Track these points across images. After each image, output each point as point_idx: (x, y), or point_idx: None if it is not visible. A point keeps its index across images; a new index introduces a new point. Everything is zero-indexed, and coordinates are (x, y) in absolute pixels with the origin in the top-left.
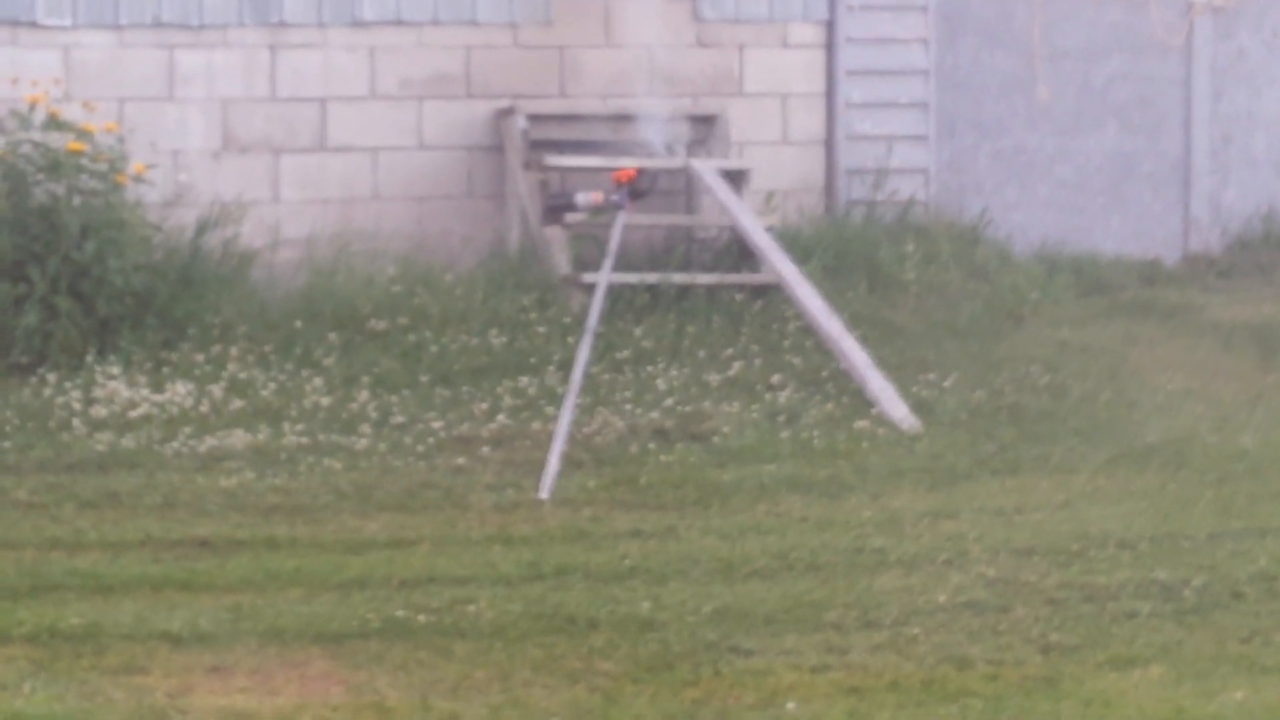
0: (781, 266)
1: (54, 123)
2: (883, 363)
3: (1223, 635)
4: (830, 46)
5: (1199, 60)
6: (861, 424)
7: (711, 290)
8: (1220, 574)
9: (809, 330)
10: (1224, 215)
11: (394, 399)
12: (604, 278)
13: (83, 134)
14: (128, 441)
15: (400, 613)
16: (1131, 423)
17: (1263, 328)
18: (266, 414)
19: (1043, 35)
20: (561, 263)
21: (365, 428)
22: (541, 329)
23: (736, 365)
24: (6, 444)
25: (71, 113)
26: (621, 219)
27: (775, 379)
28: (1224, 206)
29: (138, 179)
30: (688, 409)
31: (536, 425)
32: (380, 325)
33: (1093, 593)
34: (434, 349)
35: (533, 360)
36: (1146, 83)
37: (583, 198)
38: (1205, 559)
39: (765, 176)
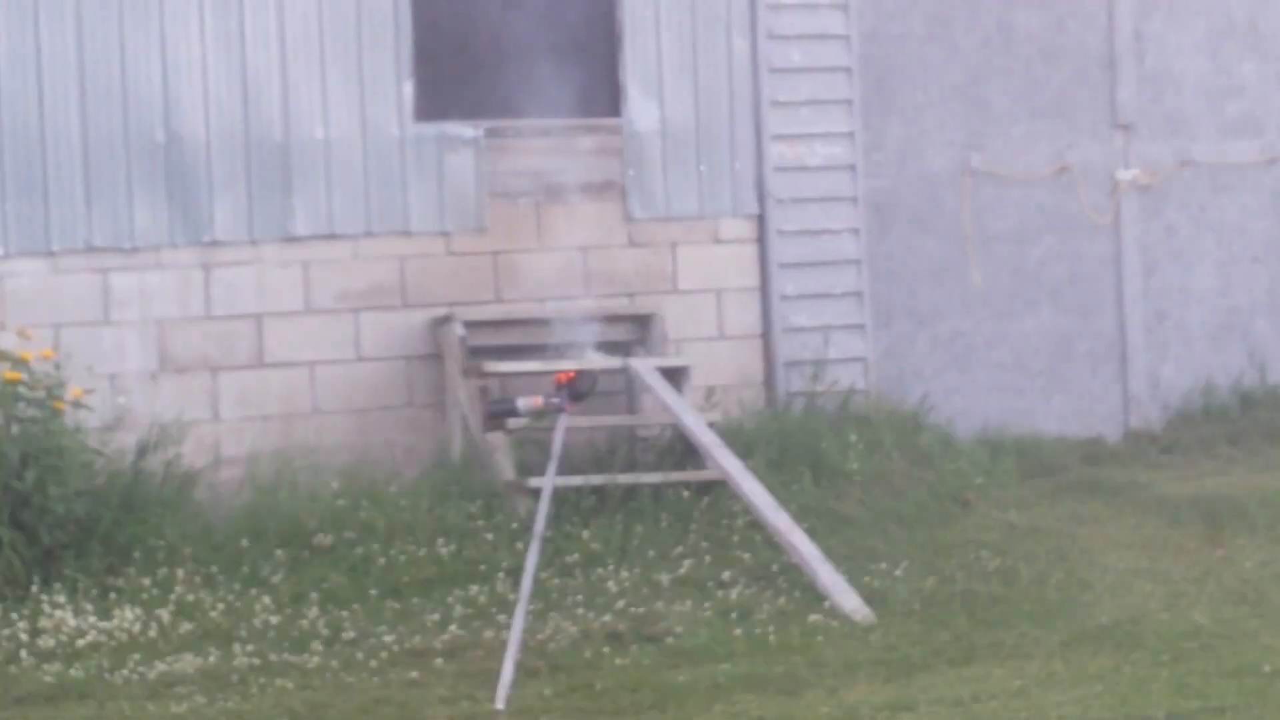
0: (726, 462)
1: None
2: (832, 554)
3: None
4: (762, 240)
5: (1128, 238)
6: (815, 617)
7: (657, 489)
8: None
9: (757, 525)
10: (1163, 391)
11: (344, 614)
12: (549, 482)
13: (19, 363)
14: (76, 671)
15: None
16: (1083, 604)
17: (1208, 502)
18: (216, 636)
19: (973, 220)
20: (505, 469)
21: (316, 645)
22: (489, 536)
23: (686, 564)
24: None
25: (6, 341)
26: (563, 422)
27: (726, 576)
28: (1163, 382)
29: (76, 404)
30: (640, 610)
31: (489, 634)
32: (326, 540)
33: None
34: (382, 561)
35: (482, 568)
36: (1078, 262)
37: (523, 402)
38: None
39: (704, 372)
